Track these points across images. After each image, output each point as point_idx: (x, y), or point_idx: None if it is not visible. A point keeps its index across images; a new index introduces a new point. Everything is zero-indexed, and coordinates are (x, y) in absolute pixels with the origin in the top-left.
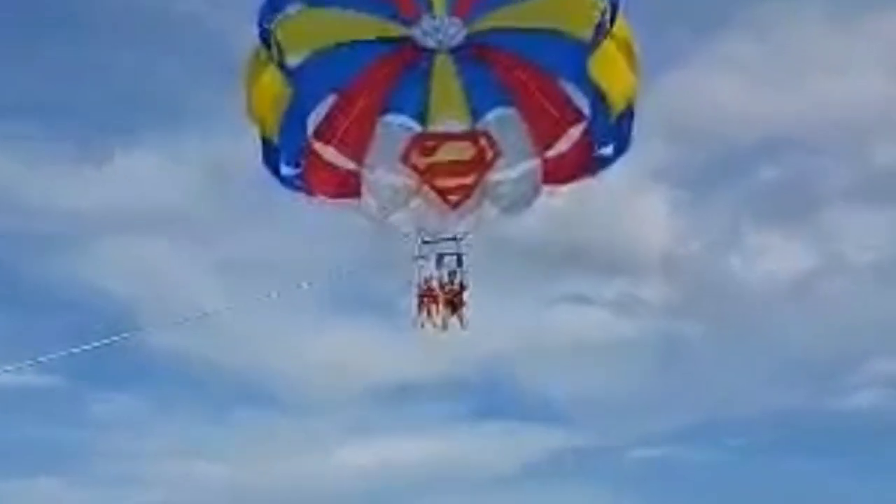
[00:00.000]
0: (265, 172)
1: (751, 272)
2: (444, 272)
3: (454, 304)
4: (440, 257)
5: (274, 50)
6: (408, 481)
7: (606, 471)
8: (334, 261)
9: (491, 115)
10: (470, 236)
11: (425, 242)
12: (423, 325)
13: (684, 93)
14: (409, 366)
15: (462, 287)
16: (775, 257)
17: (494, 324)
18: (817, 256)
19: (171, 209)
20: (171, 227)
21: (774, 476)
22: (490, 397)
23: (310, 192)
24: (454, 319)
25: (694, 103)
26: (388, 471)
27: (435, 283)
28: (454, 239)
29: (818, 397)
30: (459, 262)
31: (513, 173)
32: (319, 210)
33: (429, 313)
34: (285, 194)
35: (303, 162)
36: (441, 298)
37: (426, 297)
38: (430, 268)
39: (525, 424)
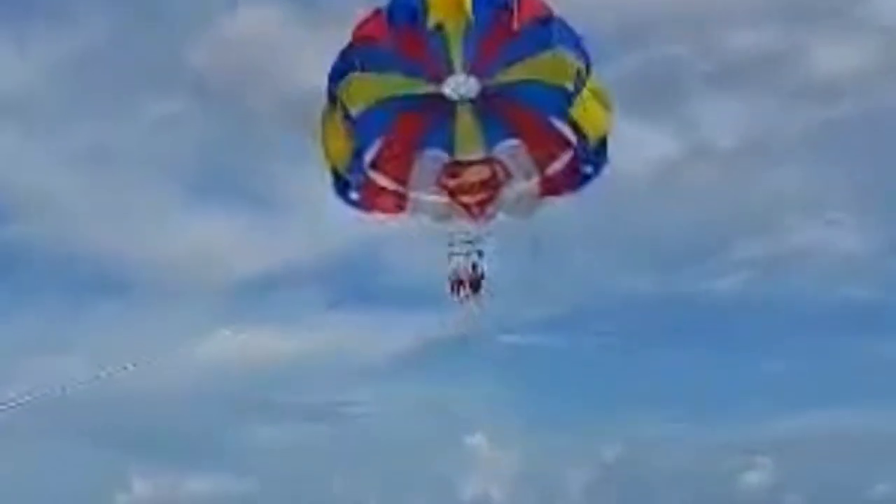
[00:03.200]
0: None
1: (616, 160)
2: (469, 264)
3: (476, 287)
4: (467, 254)
5: (339, 106)
6: (276, 372)
7: (474, 359)
8: (184, 148)
9: (501, 146)
10: (488, 239)
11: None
12: (457, 301)
13: None
14: (274, 255)
15: (482, 275)
16: (640, 145)
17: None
18: (681, 144)
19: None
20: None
21: (640, 361)
22: (358, 286)
23: (370, 210)
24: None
25: None
26: (256, 362)
27: (463, 273)
28: (478, 240)
29: (684, 283)
30: (480, 255)
31: (520, 189)
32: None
33: (458, 293)
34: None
35: (363, 188)
36: (467, 283)
37: (457, 282)
38: (458, 261)
39: (393, 312)
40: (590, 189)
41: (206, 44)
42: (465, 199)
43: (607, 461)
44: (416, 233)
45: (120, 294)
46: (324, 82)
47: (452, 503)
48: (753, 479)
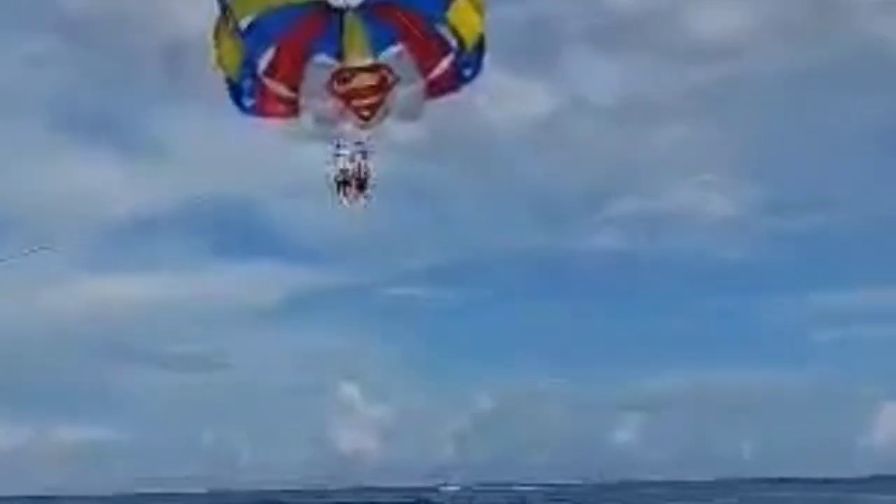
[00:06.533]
0: None
1: (494, 114)
2: (356, 165)
3: (362, 186)
4: (353, 155)
5: (230, 17)
6: (147, 320)
7: (357, 309)
8: (54, 89)
9: (387, 52)
10: (372, 141)
11: (340, 146)
12: (341, 202)
13: None
14: (151, 199)
15: (367, 175)
16: (520, 100)
17: (242, 159)
18: (559, 99)
19: None
20: None
21: (518, 315)
22: (237, 234)
23: (264, 116)
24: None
25: None
26: (131, 308)
27: (350, 173)
28: (361, 143)
29: (562, 238)
30: (364, 157)
31: (405, 92)
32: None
33: (345, 193)
34: None
35: (257, 95)
36: (354, 183)
37: (342, 182)
38: (344, 162)
39: (269, 262)
40: (471, 142)
41: None
42: (356, 103)
43: (481, 414)
44: (297, 185)
45: None
46: (199, 25)
47: (327, 454)
48: (622, 435)
